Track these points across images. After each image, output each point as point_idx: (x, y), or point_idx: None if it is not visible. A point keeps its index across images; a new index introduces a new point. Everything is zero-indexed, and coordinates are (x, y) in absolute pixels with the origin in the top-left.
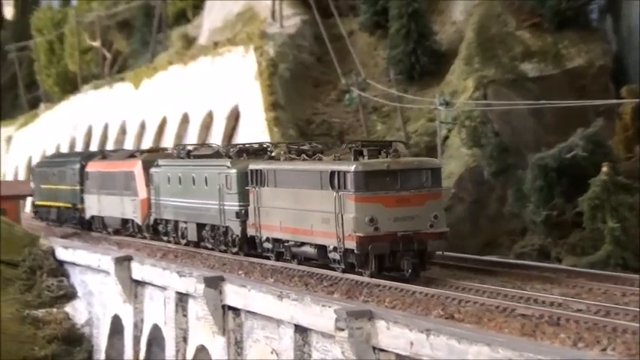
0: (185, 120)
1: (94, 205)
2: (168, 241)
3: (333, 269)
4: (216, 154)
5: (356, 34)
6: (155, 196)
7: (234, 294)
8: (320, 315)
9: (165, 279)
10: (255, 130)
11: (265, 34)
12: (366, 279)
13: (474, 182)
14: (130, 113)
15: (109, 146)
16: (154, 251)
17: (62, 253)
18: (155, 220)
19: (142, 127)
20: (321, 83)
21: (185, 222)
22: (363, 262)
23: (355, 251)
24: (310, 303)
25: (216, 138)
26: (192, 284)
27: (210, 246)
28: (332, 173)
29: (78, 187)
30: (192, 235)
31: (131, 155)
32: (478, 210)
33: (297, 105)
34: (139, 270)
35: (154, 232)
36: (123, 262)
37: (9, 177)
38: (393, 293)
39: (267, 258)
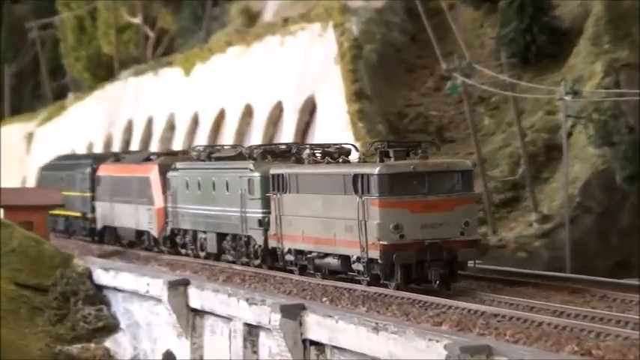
0: (248, 113)
1: (107, 214)
2: (186, 254)
3: (359, 282)
4: (240, 156)
5: (458, 8)
6: (172, 204)
7: (318, 326)
8: (426, 351)
9: (230, 308)
10: (334, 125)
11: (347, 9)
12: (477, 307)
13: (603, 189)
14: (179, 105)
15: (154, 146)
16: (216, 273)
17: (101, 276)
18: (172, 230)
19: (195, 121)
20: (416, 68)
21: (204, 232)
22: (388, 273)
23: (379, 261)
24: (413, 336)
25: (286, 135)
26: (266, 314)
27: (231, 258)
28: (355, 177)
29: (89, 194)
30: (211, 246)
31: (147, 158)
32: (608, 222)
33: (386, 95)
34: (198, 297)
35: (172, 244)
36: (178, 287)
37: (30, 182)
38: (515, 324)
39: (291, 272)
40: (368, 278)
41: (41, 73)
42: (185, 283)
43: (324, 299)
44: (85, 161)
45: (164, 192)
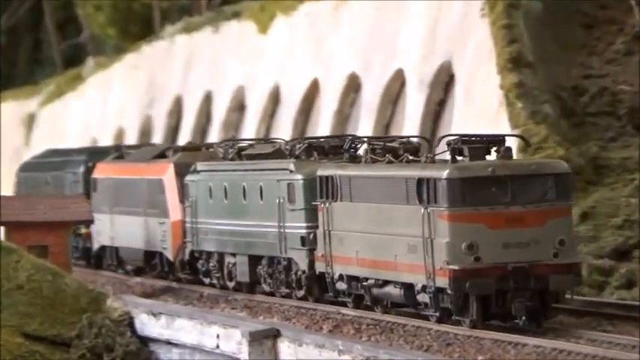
0: (353, 86)
1: (106, 229)
2: (212, 285)
3: (427, 318)
4: (278, 153)
5: None
6: (192, 218)
7: None
8: None
9: None
10: (482, 105)
11: None
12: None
13: None
14: (251, 75)
15: (214, 133)
16: (316, 320)
17: (148, 325)
18: (192, 253)
19: (274, 98)
20: (598, 23)
21: (233, 255)
22: (461, 306)
23: (448, 291)
24: None
25: (410, 120)
26: None
27: (267, 289)
28: (419, 181)
29: None
30: (242, 273)
31: (160, 154)
32: None
33: (555, 62)
34: (294, 354)
35: (192, 270)
36: (263, 341)
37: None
38: None
39: (343, 304)
40: (437, 313)
41: (45, 29)
42: (274, 334)
43: (480, 358)
44: (77, 158)
45: (182, 200)
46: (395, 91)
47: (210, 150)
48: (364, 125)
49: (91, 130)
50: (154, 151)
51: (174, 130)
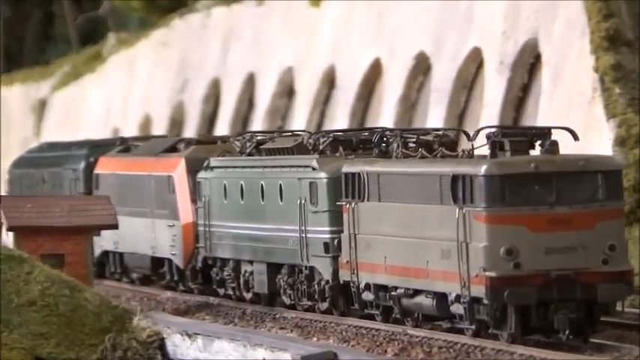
0: (421, 67)
1: (108, 232)
2: (227, 296)
3: (463, 332)
4: (300, 148)
5: None
6: (205, 220)
7: None
8: None
9: None
10: (572, 90)
11: None
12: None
13: None
14: (301, 55)
15: (257, 122)
16: (379, 342)
17: (182, 347)
18: (205, 260)
19: (328, 81)
20: None
21: (250, 262)
22: (499, 318)
23: (484, 301)
24: None
25: (489, 112)
26: None
27: (288, 301)
28: (454, 178)
29: None
30: (260, 283)
31: (170, 148)
32: None
33: None
34: None
35: (204, 280)
36: None
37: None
38: None
39: (372, 317)
40: (472, 326)
41: (57, 1)
42: (330, 358)
43: None
44: (78, 152)
45: (194, 200)
46: (470, 73)
47: (227, 143)
48: (434, 114)
49: (112, 119)
50: (163, 144)
51: (210, 118)
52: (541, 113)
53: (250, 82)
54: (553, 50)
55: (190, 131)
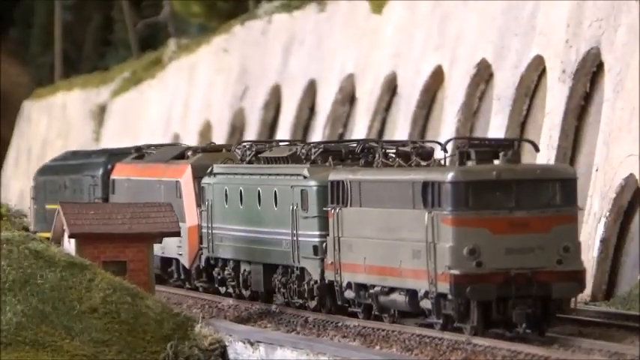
0: (483, 74)
1: None
2: (228, 294)
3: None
4: (294, 157)
5: None
6: (208, 223)
7: None
8: None
9: None
10: (632, 100)
11: None
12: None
13: None
14: (362, 62)
15: (318, 129)
16: (442, 351)
17: (244, 354)
18: (208, 260)
19: (390, 88)
20: None
21: (248, 262)
22: (463, 312)
23: (449, 297)
24: None
25: (551, 120)
26: None
27: (282, 299)
28: (425, 185)
29: None
30: (257, 282)
31: (179, 155)
32: None
33: None
34: None
35: (208, 279)
36: None
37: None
38: None
39: (355, 316)
40: (440, 321)
41: (117, 6)
42: None
43: None
44: (97, 160)
45: (198, 204)
46: (532, 82)
47: (230, 152)
48: (496, 122)
49: (172, 125)
50: (173, 151)
51: (270, 125)
52: (603, 122)
53: (311, 89)
54: (615, 59)
55: (250, 138)
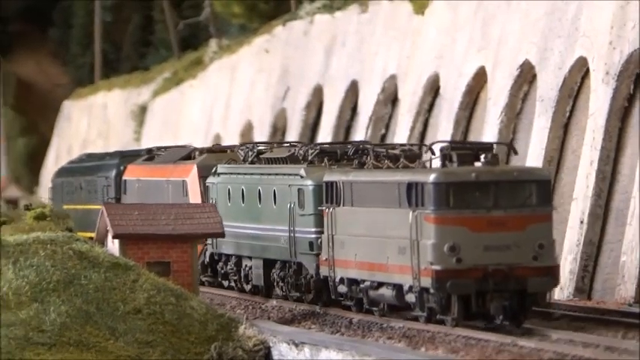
0: (526, 76)
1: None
2: (230, 287)
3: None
4: (292, 158)
5: None
6: None
7: None
8: None
9: None
10: None
11: None
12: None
13: None
14: (405, 61)
15: (360, 130)
16: (488, 353)
17: (288, 356)
18: (212, 255)
19: (432, 89)
20: None
21: (249, 258)
22: (444, 305)
23: (431, 291)
24: None
25: (594, 122)
26: None
27: (280, 293)
28: (409, 186)
29: None
30: (257, 277)
31: (187, 156)
32: None
33: None
34: None
35: (213, 273)
36: None
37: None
38: None
39: (348, 309)
40: (424, 313)
41: (157, 6)
42: None
43: None
44: (110, 162)
45: (204, 202)
46: (576, 83)
47: (234, 152)
48: (539, 123)
49: (213, 126)
50: (181, 152)
51: (312, 126)
52: None
53: (353, 90)
54: None
55: (292, 138)
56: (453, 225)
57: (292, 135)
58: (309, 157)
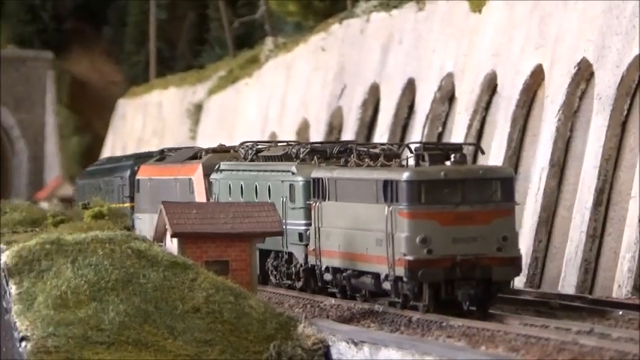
0: (584, 74)
1: (147, 228)
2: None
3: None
4: (286, 156)
5: None
6: None
7: None
8: None
9: None
10: None
11: None
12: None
13: None
14: (462, 59)
15: (417, 128)
16: (549, 352)
17: (347, 355)
18: None
19: (490, 87)
20: None
21: None
22: (416, 293)
23: (404, 279)
24: None
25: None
26: None
27: (274, 280)
28: (385, 183)
29: (128, 205)
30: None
31: (193, 156)
32: None
33: None
34: None
35: None
36: None
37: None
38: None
39: (334, 295)
40: (399, 300)
41: (212, 4)
42: None
43: None
44: (126, 163)
45: (208, 199)
46: (634, 81)
47: (236, 152)
48: (596, 122)
49: (269, 124)
50: (188, 153)
51: (368, 125)
52: None
53: (410, 88)
54: None
55: (348, 137)
56: (424, 219)
57: (348, 134)
58: (301, 155)
